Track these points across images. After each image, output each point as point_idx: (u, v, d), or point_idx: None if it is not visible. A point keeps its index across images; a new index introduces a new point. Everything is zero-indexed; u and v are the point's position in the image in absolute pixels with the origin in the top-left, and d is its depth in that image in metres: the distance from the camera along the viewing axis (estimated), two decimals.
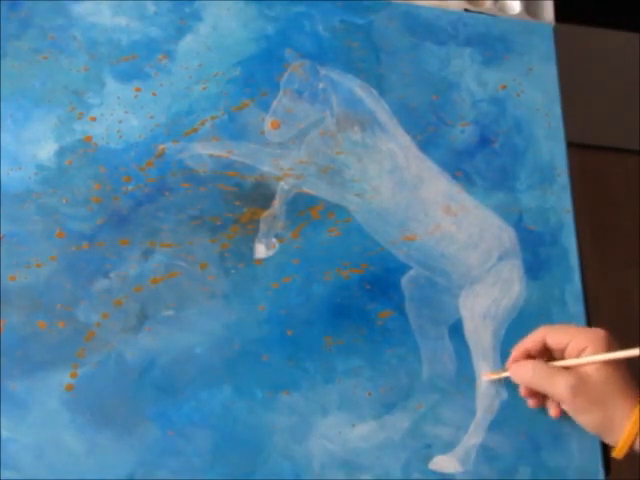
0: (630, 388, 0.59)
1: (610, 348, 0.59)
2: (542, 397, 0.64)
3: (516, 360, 0.64)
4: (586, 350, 0.59)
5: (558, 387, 0.59)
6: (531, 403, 0.65)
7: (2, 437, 0.58)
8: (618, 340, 0.61)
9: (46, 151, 0.67)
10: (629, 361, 0.59)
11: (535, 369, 0.61)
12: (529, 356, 0.63)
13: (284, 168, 0.71)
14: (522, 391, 0.64)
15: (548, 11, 0.86)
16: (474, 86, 0.79)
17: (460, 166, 0.75)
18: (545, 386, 0.61)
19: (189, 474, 0.60)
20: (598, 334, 0.60)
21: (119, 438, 0.60)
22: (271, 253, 0.68)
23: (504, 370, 0.65)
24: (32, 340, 0.61)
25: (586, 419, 0.60)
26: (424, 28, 0.80)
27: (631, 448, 0.58)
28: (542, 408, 0.65)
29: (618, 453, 0.58)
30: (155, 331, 0.64)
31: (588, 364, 0.59)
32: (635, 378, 0.60)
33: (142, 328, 0.64)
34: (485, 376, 0.66)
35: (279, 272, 0.68)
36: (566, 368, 0.60)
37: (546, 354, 0.63)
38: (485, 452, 0.65)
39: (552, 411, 0.64)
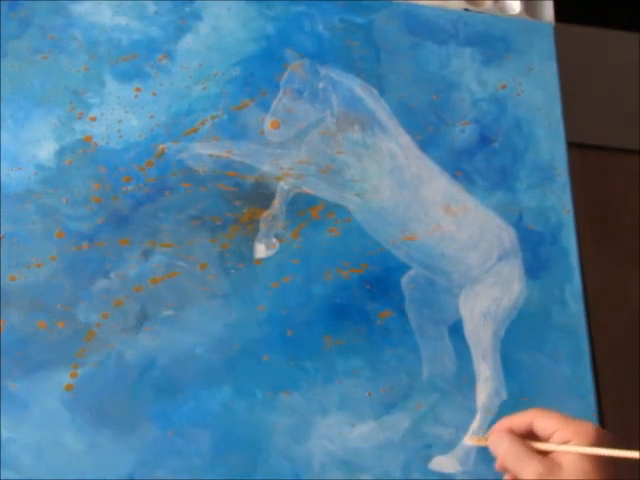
0: None
1: (595, 445, 0.53)
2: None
3: (498, 431, 0.57)
4: (569, 443, 0.53)
5: (525, 471, 0.54)
6: (505, 478, 0.58)
7: (2, 437, 0.58)
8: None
9: (46, 151, 0.67)
10: (618, 466, 0.53)
11: (510, 445, 0.55)
12: (512, 432, 0.57)
13: (284, 168, 0.71)
14: (497, 464, 0.58)
15: (548, 11, 0.85)
16: (474, 85, 0.79)
17: (460, 166, 0.75)
18: (514, 466, 0.55)
19: (189, 474, 0.60)
20: (587, 429, 0.54)
21: (119, 438, 0.60)
22: (271, 253, 0.68)
23: (486, 438, 0.59)
24: (32, 340, 0.61)
25: None
26: (424, 27, 0.80)
27: None
28: None
29: None
30: (155, 331, 0.64)
31: (566, 454, 0.53)
32: None
33: (142, 328, 0.63)
34: (468, 440, 0.65)
35: (279, 272, 0.68)
36: (544, 453, 0.55)
37: (530, 437, 0.57)
38: (485, 452, 0.65)
39: None
